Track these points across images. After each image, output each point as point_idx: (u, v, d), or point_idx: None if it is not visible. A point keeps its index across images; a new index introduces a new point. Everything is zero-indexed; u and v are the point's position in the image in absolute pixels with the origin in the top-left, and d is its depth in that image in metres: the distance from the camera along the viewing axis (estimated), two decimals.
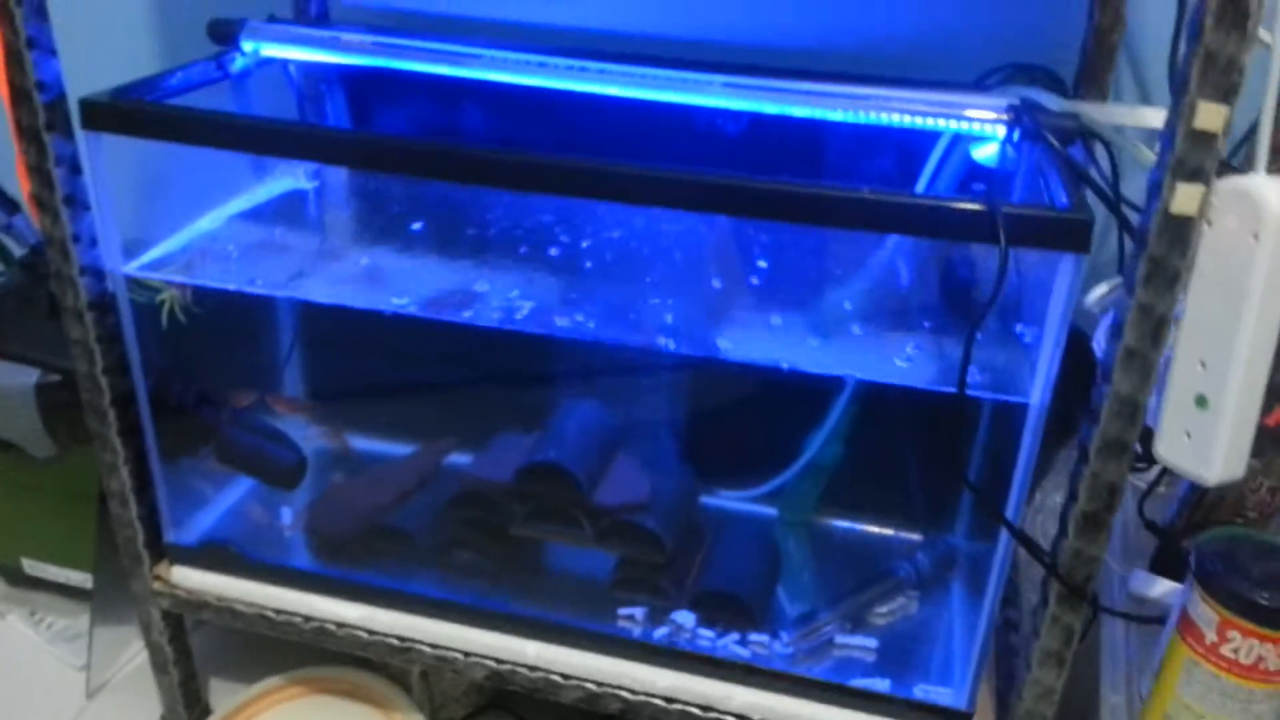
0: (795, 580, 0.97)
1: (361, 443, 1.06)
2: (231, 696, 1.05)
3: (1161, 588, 0.84)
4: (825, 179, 0.70)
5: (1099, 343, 0.78)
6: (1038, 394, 0.73)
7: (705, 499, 1.02)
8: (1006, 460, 0.77)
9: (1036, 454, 0.75)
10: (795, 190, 0.70)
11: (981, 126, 0.83)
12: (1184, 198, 0.61)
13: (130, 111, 0.82)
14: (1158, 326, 0.65)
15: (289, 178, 1.08)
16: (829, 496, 1.01)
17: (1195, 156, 0.60)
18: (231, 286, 0.88)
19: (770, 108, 0.86)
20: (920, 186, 0.88)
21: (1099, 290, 0.76)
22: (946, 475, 0.94)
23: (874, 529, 1.02)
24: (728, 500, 1.02)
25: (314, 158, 0.81)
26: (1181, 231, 0.62)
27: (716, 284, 0.89)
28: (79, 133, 0.83)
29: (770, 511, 1.02)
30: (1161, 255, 0.63)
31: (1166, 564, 0.86)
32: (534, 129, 1.06)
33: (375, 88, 1.06)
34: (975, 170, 0.85)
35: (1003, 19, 1.03)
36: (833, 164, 0.99)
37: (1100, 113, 0.84)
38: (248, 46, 0.95)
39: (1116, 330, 0.67)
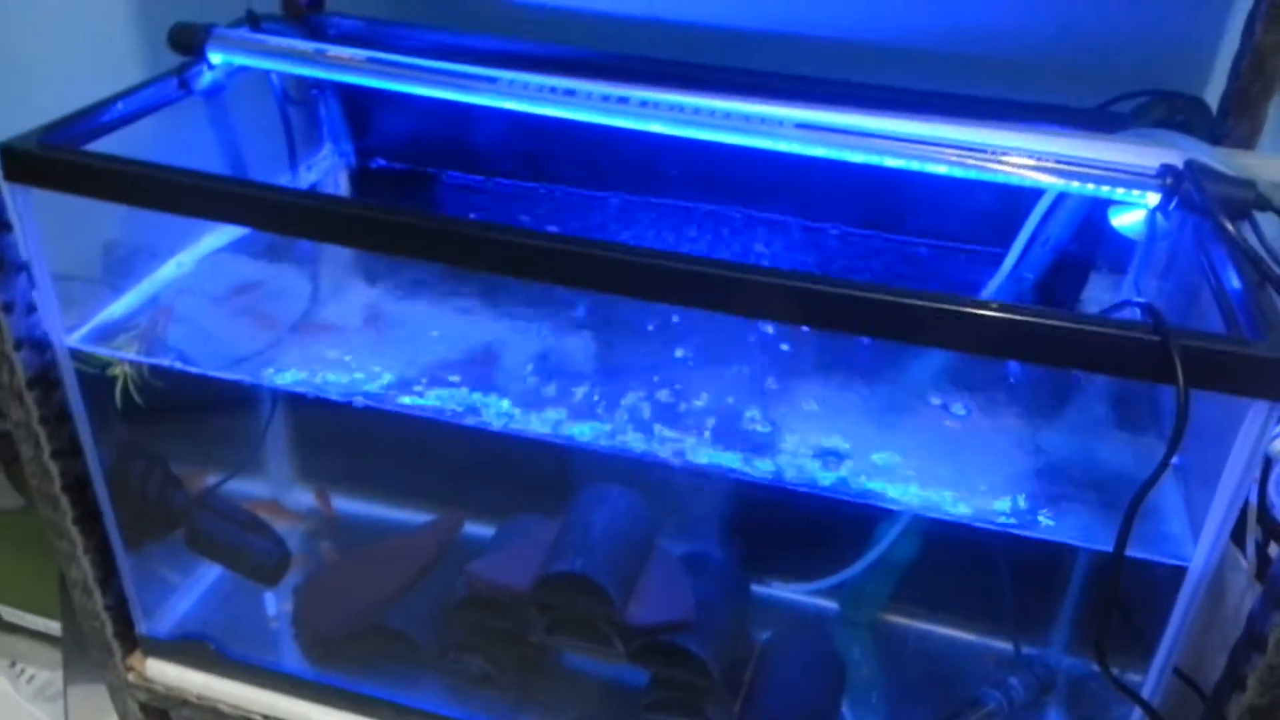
0: (862, 699, 0.82)
1: (354, 508, 0.92)
2: None
3: None
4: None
5: (1275, 493, 0.61)
6: (1201, 557, 0.57)
7: (755, 588, 0.87)
8: (1141, 619, 0.62)
9: (1188, 626, 0.59)
10: (895, 302, 0.54)
11: (1128, 191, 0.65)
12: None
13: (59, 162, 0.66)
14: None
15: None
16: (902, 593, 0.86)
17: None
18: (194, 370, 0.73)
19: (855, 157, 0.69)
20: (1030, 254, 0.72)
21: None
22: (1048, 582, 0.79)
23: (954, 632, 0.87)
24: (781, 592, 0.88)
25: (279, 229, 0.66)
26: None
27: (773, 384, 0.73)
28: (2, 184, 0.67)
29: (832, 606, 0.87)
30: None
31: None
32: (561, 162, 0.90)
33: (380, 101, 0.89)
34: (1115, 244, 0.68)
35: (1135, 22, 0.85)
36: (919, 214, 0.82)
37: (1273, 169, 0.67)
38: (215, 58, 0.78)
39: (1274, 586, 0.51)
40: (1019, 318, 0.53)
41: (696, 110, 0.70)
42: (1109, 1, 0.84)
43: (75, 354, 0.74)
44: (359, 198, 0.99)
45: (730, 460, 0.68)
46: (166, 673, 0.88)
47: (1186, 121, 0.79)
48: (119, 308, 0.78)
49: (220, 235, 0.86)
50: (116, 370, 0.74)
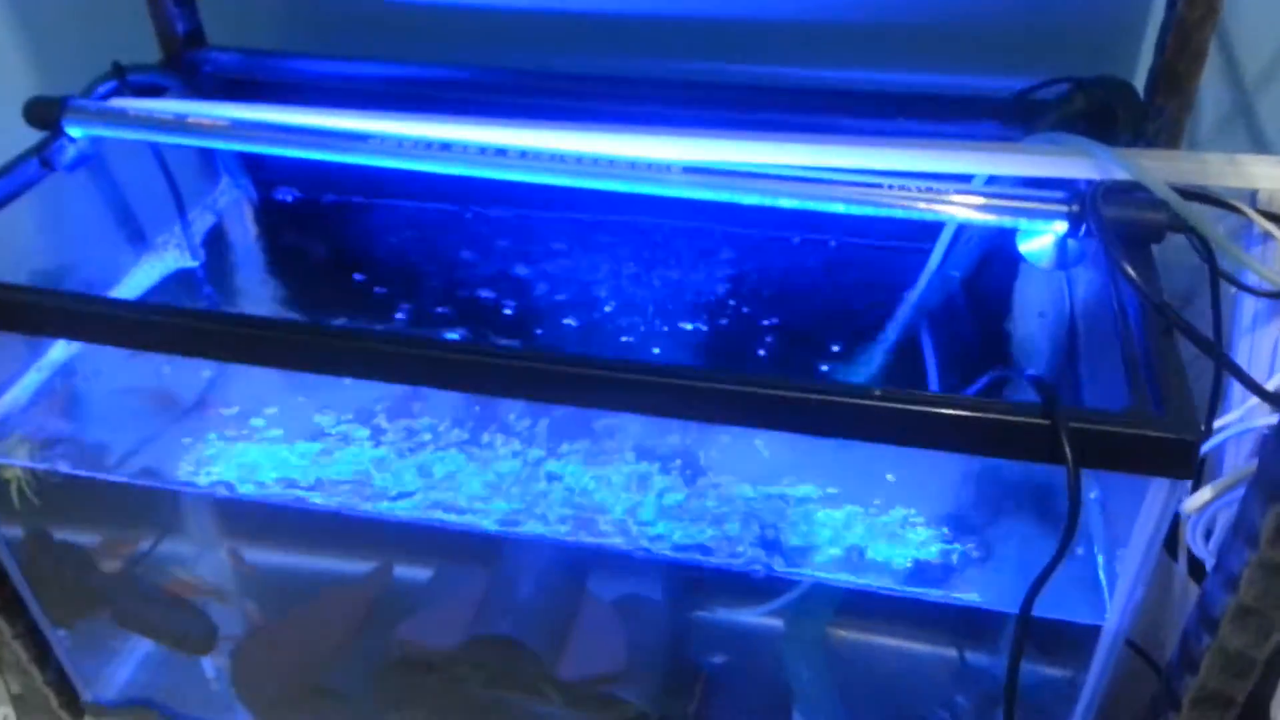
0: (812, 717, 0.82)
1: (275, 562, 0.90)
2: None
3: None
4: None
5: (1192, 543, 0.58)
6: (1114, 620, 0.55)
7: (700, 614, 0.86)
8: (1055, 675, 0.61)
9: (1106, 686, 0.58)
10: (767, 394, 0.51)
11: (1031, 221, 0.62)
12: None
13: None
14: None
15: (170, 251, 0.88)
16: (846, 608, 0.84)
17: None
18: (82, 473, 0.71)
19: (748, 200, 0.65)
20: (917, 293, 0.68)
21: (1202, 496, 0.56)
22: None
23: (904, 644, 0.86)
24: (726, 616, 0.86)
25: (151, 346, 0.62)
26: None
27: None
28: None
29: (776, 625, 0.86)
30: None
31: None
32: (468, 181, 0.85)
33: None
34: (1021, 278, 0.65)
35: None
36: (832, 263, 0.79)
37: (1197, 172, 0.63)
38: (75, 132, 0.73)
39: (1224, 564, 0.48)
40: (900, 406, 0.50)
41: (579, 160, 0.66)
42: None
43: None
44: (265, 232, 0.95)
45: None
46: None
47: (1110, 107, 0.74)
48: (10, 399, 0.75)
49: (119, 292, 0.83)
50: (8, 474, 0.71)
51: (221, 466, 0.72)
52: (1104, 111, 0.74)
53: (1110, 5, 0.80)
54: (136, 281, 0.84)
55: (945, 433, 0.50)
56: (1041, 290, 0.75)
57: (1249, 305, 0.63)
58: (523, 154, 0.67)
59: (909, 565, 0.64)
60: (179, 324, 0.60)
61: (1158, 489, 0.50)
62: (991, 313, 0.77)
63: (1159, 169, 0.63)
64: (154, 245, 0.87)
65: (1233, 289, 0.60)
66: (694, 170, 0.65)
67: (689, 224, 0.85)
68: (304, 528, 0.84)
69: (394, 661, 0.79)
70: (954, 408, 0.50)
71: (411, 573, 0.83)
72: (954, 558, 0.64)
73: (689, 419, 0.53)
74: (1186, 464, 0.48)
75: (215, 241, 0.91)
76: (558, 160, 0.66)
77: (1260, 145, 0.84)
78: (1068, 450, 0.48)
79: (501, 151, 0.67)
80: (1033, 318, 0.76)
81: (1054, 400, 0.49)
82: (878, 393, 0.50)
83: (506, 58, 0.91)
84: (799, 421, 0.52)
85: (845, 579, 0.64)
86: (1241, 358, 0.65)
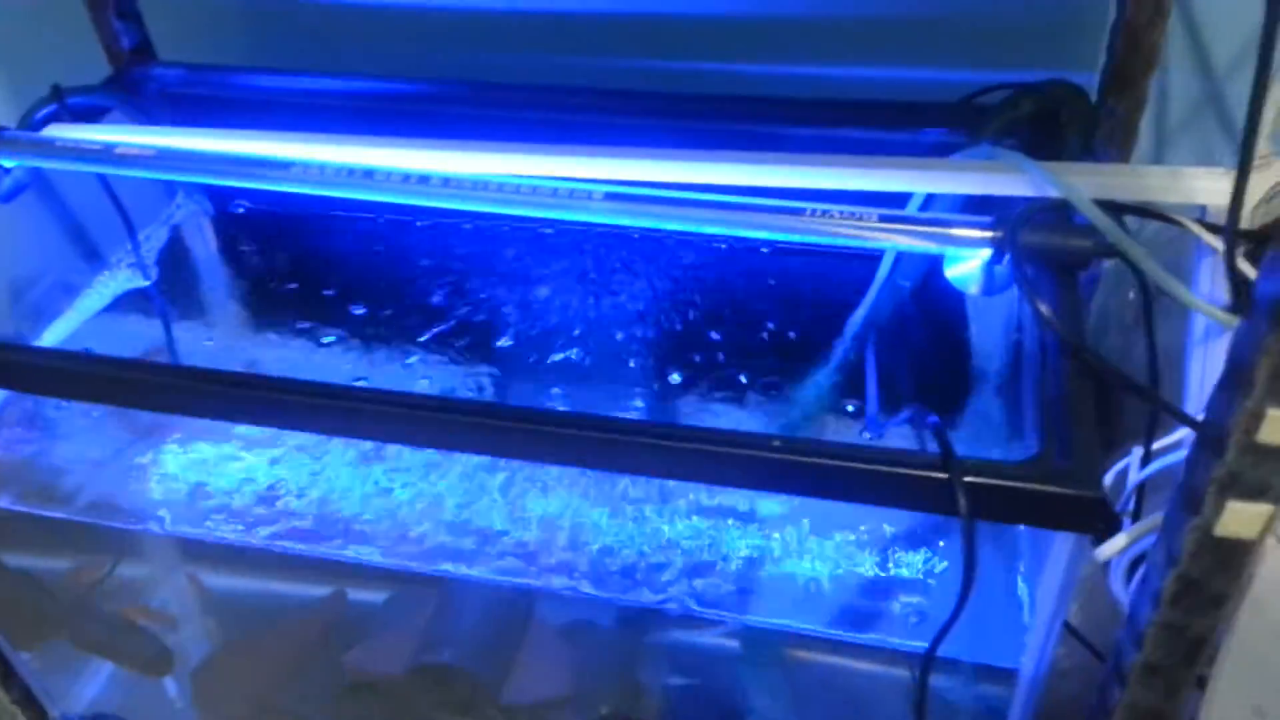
0: None
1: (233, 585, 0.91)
2: None
3: None
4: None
5: (1114, 586, 0.56)
6: (1030, 665, 0.54)
7: (657, 638, 0.85)
8: None
9: None
10: (668, 445, 0.50)
11: (956, 248, 0.60)
12: (1237, 519, 0.40)
13: None
14: (1193, 647, 0.45)
15: (122, 271, 0.88)
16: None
17: (1258, 473, 0.38)
18: (25, 510, 0.71)
19: (673, 226, 0.63)
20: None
21: (1115, 543, 0.54)
22: None
23: (862, 665, 0.85)
24: (680, 638, 0.86)
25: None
26: (1231, 554, 0.41)
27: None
28: None
29: (733, 646, 0.85)
30: (1200, 577, 0.42)
31: None
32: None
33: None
34: (947, 309, 0.63)
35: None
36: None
37: (1136, 187, 0.60)
38: (7, 163, 0.73)
39: (1133, 617, 0.47)
40: (795, 459, 0.49)
41: (500, 187, 0.65)
42: None
43: None
44: (222, 247, 0.94)
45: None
46: None
47: (1057, 112, 0.71)
48: None
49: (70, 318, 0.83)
50: None
51: (170, 494, 0.72)
52: (1053, 116, 0.72)
53: (1073, 4, 0.76)
54: (87, 305, 0.84)
55: (842, 484, 0.49)
56: (988, 307, 0.72)
57: (1200, 318, 0.61)
58: (445, 181, 0.66)
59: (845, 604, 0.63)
60: (94, 372, 0.59)
61: (1064, 540, 0.48)
62: (942, 326, 0.75)
63: (1098, 184, 0.61)
64: (106, 266, 0.87)
65: None
66: (615, 197, 0.63)
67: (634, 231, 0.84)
68: (260, 553, 0.85)
69: (345, 687, 0.79)
70: (850, 460, 0.48)
71: (366, 596, 0.83)
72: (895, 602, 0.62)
73: (577, 466, 0.52)
74: (1089, 519, 0.46)
75: (170, 259, 0.90)
76: (480, 187, 0.65)
77: (1230, 132, 0.81)
78: (962, 504, 0.46)
79: (424, 179, 0.66)
80: (983, 333, 0.74)
81: (949, 452, 0.47)
82: (776, 443, 0.49)
83: (454, 58, 0.90)
84: (696, 472, 0.51)
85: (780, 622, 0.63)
86: (1195, 370, 0.62)
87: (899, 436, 0.71)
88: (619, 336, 0.79)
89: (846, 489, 0.49)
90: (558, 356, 0.76)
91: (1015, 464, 0.47)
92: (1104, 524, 0.47)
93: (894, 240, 0.60)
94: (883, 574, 0.65)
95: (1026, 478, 0.46)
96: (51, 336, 0.81)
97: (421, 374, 0.77)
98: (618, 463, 0.52)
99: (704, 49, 0.83)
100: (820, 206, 0.61)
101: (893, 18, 0.79)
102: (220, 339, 0.90)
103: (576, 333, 0.78)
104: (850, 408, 0.70)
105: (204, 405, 0.59)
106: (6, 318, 0.84)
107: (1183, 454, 0.56)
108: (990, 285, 0.60)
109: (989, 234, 0.58)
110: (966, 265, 0.61)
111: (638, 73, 0.86)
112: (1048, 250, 0.56)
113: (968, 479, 0.46)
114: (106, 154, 0.71)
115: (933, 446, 0.49)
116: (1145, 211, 0.59)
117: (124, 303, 0.86)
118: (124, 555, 0.82)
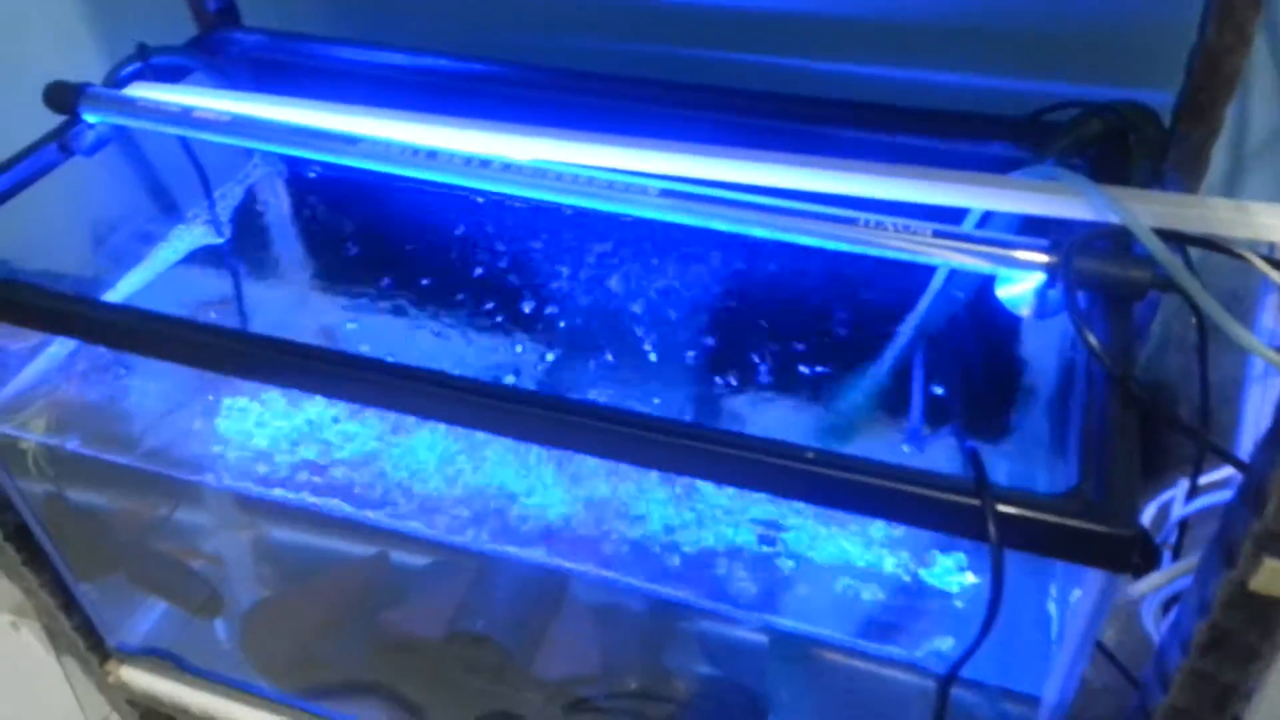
0: None
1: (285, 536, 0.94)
2: None
3: None
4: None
5: (1147, 622, 0.56)
6: (1053, 694, 0.54)
7: (687, 627, 0.86)
8: None
9: None
10: (711, 450, 0.51)
11: (1010, 270, 0.59)
12: (1273, 578, 0.40)
13: None
14: (1222, 696, 0.45)
15: (196, 226, 0.91)
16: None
17: None
18: (89, 453, 0.74)
19: (723, 227, 0.64)
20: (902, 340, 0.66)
21: (1150, 580, 0.54)
22: None
23: (888, 668, 0.85)
24: (709, 629, 0.87)
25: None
26: (1265, 610, 0.41)
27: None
28: None
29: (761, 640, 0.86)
30: (1232, 629, 0.43)
31: None
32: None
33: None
34: (1001, 322, 0.63)
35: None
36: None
37: (1200, 219, 0.59)
38: (91, 118, 0.76)
39: (1162, 659, 0.47)
40: (827, 471, 0.49)
41: (559, 176, 0.66)
42: None
43: None
44: (295, 208, 0.97)
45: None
46: (139, 679, 0.94)
47: (1127, 134, 0.70)
48: (31, 373, 0.79)
49: (145, 269, 0.87)
50: (24, 445, 0.76)
51: (228, 448, 0.75)
52: (1122, 138, 0.70)
53: (1155, 20, 0.75)
54: (163, 256, 0.87)
55: (873, 501, 0.49)
56: (1044, 325, 0.72)
57: None
58: (505, 166, 0.67)
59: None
60: (159, 330, 0.62)
61: (1094, 576, 0.48)
62: (995, 340, 0.75)
63: (1161, 213, 0.60)
64: (182, 220, 0.90)
65: None
66: (670, 194, 0.64)
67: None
68: (309, 511, 0.88)
69: (383, 643, 0.82)
70: (883, 478, 0.49)
71: (408, 559, 0.86)
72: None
73: (614, 460, 0.53)
74: (1122, 557, 0.46)
75: (243, 217, 0.93)
76: (538, 175, 0.66)
77: None
78: (993, 532, 0.47)
79: (485, 163, 0.67)
80: (1036, 352, 0.73)
81: (983, 478, 0.48)
82: (810, 454, 0.50)
83: (538, 43, 0.91)
84: (729, 476, 0.52)
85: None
86: (1251, 406, 0.62)
87: (941, 448, 0.72)
88: (671, 324, 0.80)
89: (877, 506, 0.49)
90: (607, 356, 0.78)
91: (1049, 496, 0.47)
92: (1139, 561, 0.47)
93: (946, 257, 0.60)
94: (910, 581, 0.65)
95: (1060, 511, 0.47)
96: (127, 285, 0.84)
97: (476, 351, 0.80)
98: (655, 461, 0.53)
99: (769, 44, 0.83)
100: (874, 218, 0.61)
101: (966, 28, 0.78)
102: (286, 299, 0.93)
103: (628, 324, 0.79)
104: (893, 417, 0.71)
105: (272, 373, 0.61)
106: (88, 263, 0.87)
107: (1228, 494, 0.57)
108: (1042, 309, 0.60)
109: (1044, 257, 0.58)
110: (1019, 286, 0.60)
111: (699, 64, 0.86)
112: (1103, 279, 0.56)
113: (999, 508, 0.46)
114: (184, 116, 0.73)
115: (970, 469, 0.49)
116: (1210, 244, 0.58)
117: (198, 256, 0.89)
118: (182, 500, 0.85)
